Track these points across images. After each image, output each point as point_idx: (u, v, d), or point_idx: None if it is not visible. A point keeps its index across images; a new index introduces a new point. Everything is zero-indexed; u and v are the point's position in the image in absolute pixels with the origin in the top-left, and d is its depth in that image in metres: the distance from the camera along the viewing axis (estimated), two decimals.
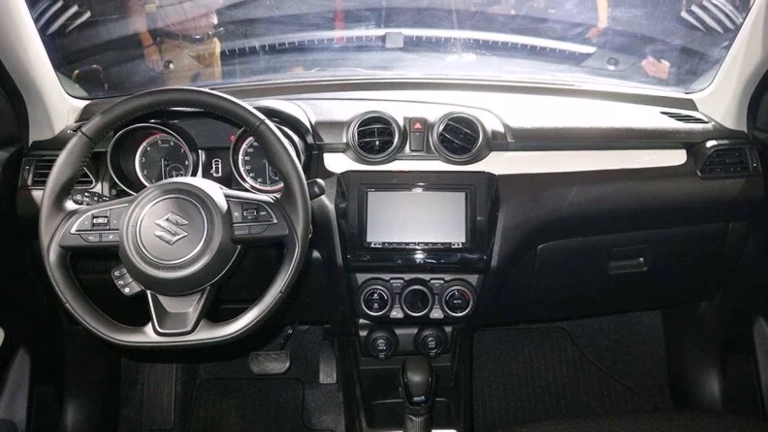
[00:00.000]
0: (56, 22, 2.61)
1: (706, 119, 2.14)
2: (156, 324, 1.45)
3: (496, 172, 1.87)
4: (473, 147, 1.87)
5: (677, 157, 2.03)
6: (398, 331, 2.12)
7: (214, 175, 1.92)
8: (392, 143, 1.87)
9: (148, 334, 1.46)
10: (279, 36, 3.00)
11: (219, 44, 3.20)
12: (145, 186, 1.75)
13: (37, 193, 1.90)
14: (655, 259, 2.13)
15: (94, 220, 1.46)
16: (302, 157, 1.83)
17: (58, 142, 1.98)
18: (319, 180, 1.70)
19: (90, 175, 1.89)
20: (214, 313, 1.51)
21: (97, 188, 1.91)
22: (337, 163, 1.91)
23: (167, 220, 1.43)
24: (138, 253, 1.42)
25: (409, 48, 2.88)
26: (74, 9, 2.67)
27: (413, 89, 2.25)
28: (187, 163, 1.88)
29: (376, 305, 1.92)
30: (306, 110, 1.94)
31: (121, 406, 2.76)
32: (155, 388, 2.80)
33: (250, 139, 1.88)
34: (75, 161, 1.49)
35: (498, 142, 1.92)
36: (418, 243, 1.85)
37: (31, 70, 1.86)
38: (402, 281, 1.93)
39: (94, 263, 1.96)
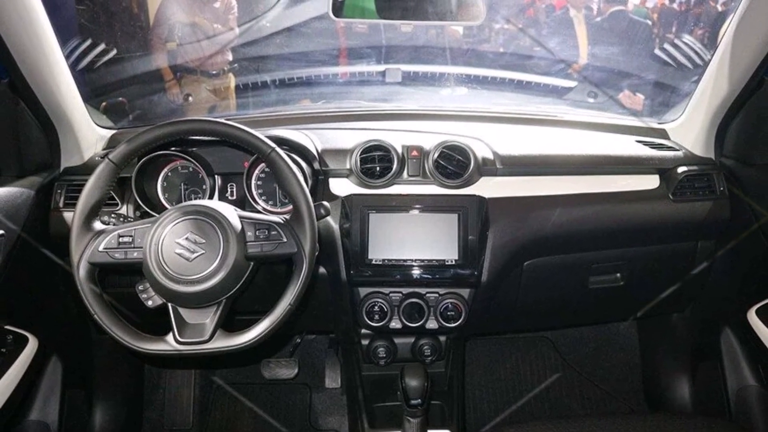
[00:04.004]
0: (85, 59, 2.63)
1: (677, 147, 2.15)
2: (176, 333, 1.45)
3: (486, 195, 1.87)
4: (465, 172, 1.87)
5: (651, 182, 2.04)
6: (397, 340, 2.11)
7: (229, 198, 1.93)
8: (391, 169, 1.87)
9: (170, 343, 1.45)
10: (288, 71, 3.02)
11: (233, 79, 3.23)
12: (166, 208, 1.74)
13: (68, 215, 1.89)
14: (631, 274, 2.12)
15: (120, 239, 1.46)
16: (309, 182, 1.84)
17: (87, 168, 1.98)
18: (325, 202, 1.70)
19: (116, 198, 1.89)
20: (229, 324, 1.51)
21: (123, 210, 1.90)
22: (341, 187, 1.91)
23: (186, 239, 1.43)
24: (160, 269, 1.41)
25: (407, 82, 2.90)
26: (102, 47, 2.69)
27: (410, 120, 2.25)
28: (204, 187, 1.88)
29: (376, 316, 1.92)
30: (313, 139, 1.94)
31: (145, 408, 2.75)
32: (176, 392, 2.79)
33: (262, 165, 1.88)
34: (102, 186, 1.49)
35: (488, 168, 1.93)
36: (415, 260, 1.85)
37: (63, 103, 1.86)
38: (400, 295, 1.93)
39: (120, 278, 1.96)
